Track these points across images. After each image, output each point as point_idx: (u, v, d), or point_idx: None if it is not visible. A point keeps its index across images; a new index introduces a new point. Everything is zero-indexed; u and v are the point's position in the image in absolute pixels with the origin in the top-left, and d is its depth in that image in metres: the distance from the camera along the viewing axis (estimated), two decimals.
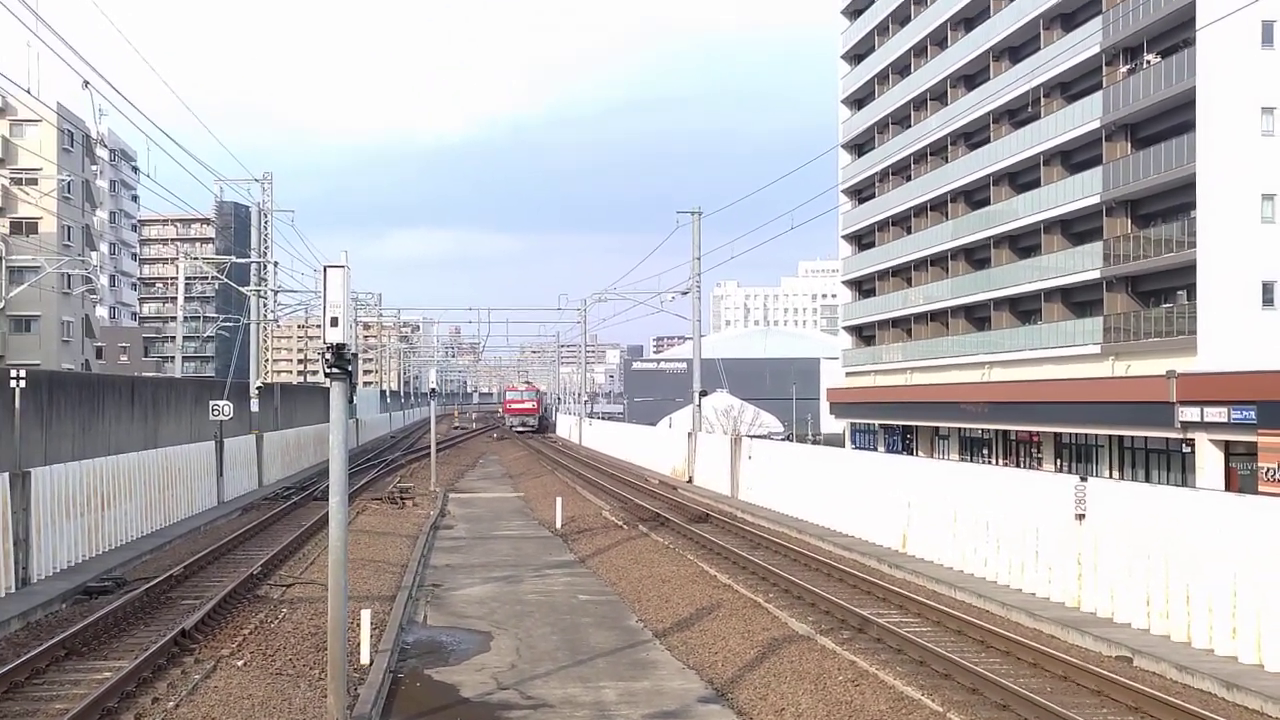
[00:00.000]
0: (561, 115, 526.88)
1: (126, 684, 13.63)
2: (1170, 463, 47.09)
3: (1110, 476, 48.63)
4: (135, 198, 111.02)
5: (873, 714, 13.13)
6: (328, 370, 11.93)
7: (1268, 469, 38.95)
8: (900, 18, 74.17)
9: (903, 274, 74.41)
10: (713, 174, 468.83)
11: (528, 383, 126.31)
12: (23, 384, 24.47)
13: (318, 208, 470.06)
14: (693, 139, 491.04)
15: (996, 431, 62.03)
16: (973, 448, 65.76)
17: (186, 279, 60.27)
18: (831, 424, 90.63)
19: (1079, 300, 55.45)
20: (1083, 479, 19.33)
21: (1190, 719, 12.59)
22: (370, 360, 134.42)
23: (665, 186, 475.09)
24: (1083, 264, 53.24)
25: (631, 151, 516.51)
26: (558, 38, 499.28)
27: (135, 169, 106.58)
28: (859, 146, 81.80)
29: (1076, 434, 54.14)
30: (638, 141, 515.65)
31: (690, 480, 45.59)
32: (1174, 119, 47.57)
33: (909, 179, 72.62)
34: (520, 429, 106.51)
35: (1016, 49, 61.01)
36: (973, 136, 65.33)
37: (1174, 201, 48.06)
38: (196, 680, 14.16)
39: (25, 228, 67.79)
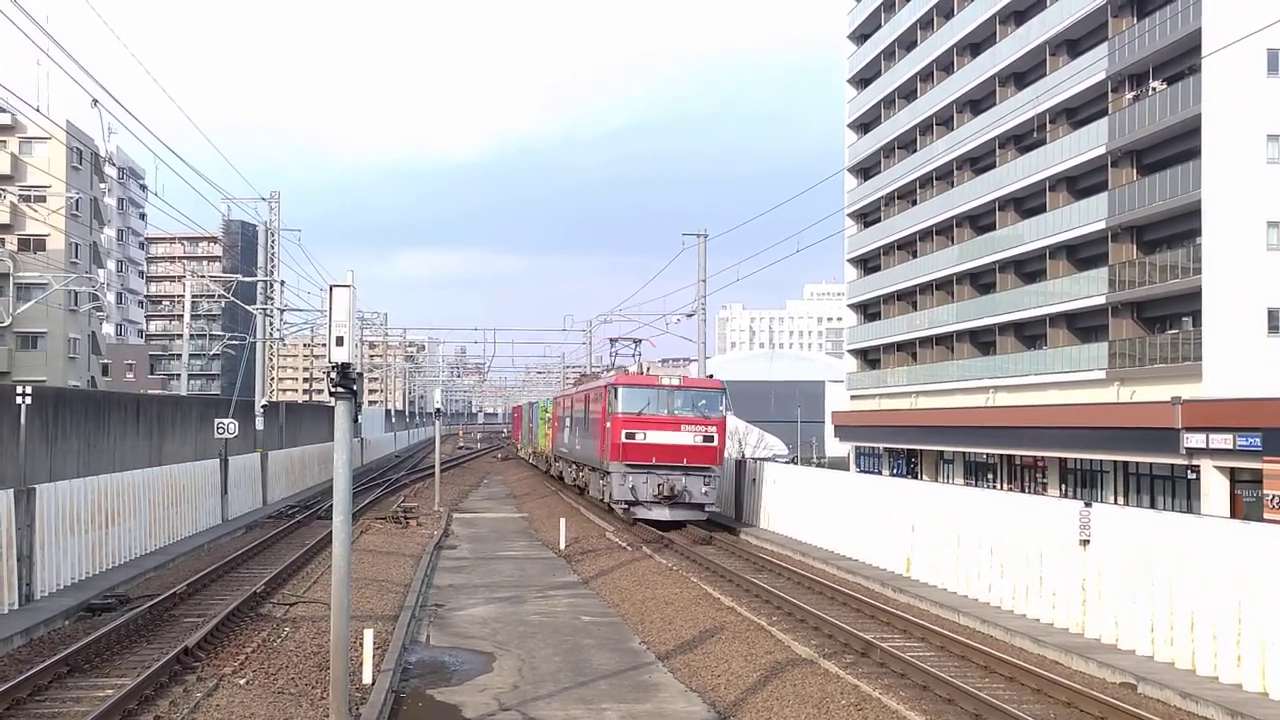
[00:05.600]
0: (572, 136, 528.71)
1: (128, 701, 13.62)
2: (1175, 489, 46.99)
3: (1115, 502, 48.51)
4: (143, 215, 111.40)
5: None
6: (332, 389, 11.95)
7: (1273, 496, 38.86)
8: (906, 43, 74.50)
9: (908, 298, 74.51)
10: (719, 196, 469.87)
11: (684, 375, 38.50)
12: (29, 401, 24.61)
13: (325, 227, 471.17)
14: (700, 161, 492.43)
15: (1001, 456, 61.94)
16: (977, 472, 65.68)
17: (193, 297, 60.45)
18: (836, 447, 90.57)
19: (1084, 326, 55.47)
20: (1087, 504, 19.29)
21: None
22: (375, 380, 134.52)
23: (672, 208, 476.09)
24: (1088, 289, 53.27)
25: (640, 173, 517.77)
26: (570, 59, 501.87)
27: (143, 187, 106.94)
28: (865, 170, 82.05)
29: (1081, 459, 54.07)
30: (647, 163, 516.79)
31: None
32: (1180, 145, 47.68)
33: (915, 203, 72.77)
34: (660, 515, 33.80)
35: (1022, 75, 61.23)
36: (978, 161, 65.51)
37: (1180, 228, 48.11)
38: (198, 698, 14.16)
39: (33, 245, 68.04)
